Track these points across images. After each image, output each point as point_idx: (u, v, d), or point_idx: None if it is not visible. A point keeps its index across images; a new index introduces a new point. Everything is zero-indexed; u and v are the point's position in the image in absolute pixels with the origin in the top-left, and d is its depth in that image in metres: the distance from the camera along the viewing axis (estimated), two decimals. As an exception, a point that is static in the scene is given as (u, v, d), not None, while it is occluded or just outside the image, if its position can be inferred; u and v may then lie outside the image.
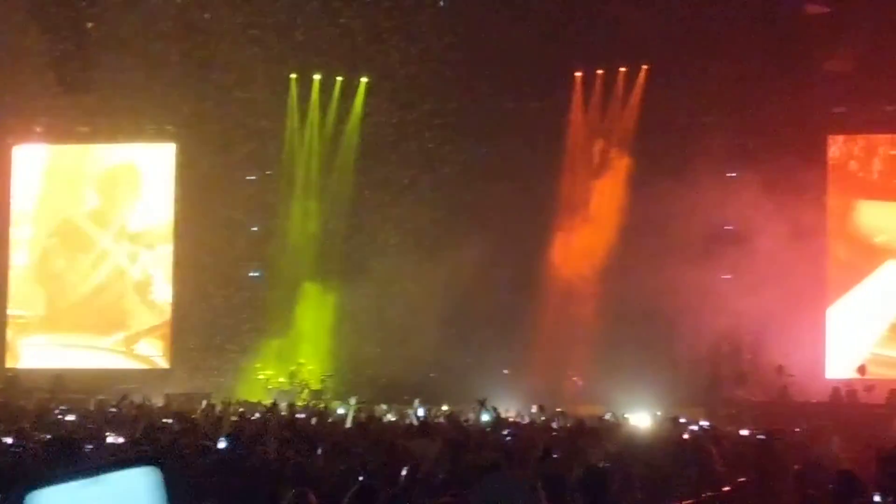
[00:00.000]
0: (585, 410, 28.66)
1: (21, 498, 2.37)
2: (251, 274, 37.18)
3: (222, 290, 35.96)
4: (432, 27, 33.65)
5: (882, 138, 34.56)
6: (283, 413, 25.06)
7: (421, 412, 25.83)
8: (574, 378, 33.75)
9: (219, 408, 26.47)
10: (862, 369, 30.51)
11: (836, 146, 34.74)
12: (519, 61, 33.82)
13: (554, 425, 23.38)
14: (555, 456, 14.21)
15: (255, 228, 37.12)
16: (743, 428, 24.01)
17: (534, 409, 28.10)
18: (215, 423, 21.25)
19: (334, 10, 33.48)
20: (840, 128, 34.55)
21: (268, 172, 36.79)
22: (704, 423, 24.37)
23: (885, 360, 32.42)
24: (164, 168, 37.50)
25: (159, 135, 37.19)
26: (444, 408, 28.47)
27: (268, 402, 29.08)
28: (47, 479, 2.41)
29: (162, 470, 2.50)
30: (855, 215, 34.52)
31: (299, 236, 36.43)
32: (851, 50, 32.77)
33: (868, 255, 34.27)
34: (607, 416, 25.65)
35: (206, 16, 34.01)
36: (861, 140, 34.77)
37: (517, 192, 34.13)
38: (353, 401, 28.00)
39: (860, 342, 33.31)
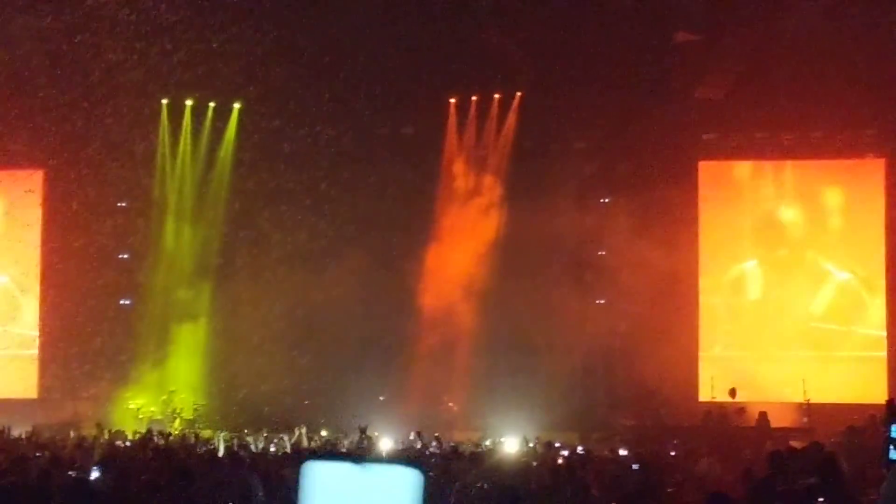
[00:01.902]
0: (462, 436, 28.67)
1: (303, 466, 2.76)
2: (122, 302, 36.56)
3: (92, 318, 35.29)
4: (307, 52, 33.46)
5: (751, 164, 35.10)
6: (156, 441, 24.64)
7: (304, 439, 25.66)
8: (450, 404, 33.75)
9: (90, 437, 25.96)
10: (733, 392, 30.89)
11: (707, 171, 35.22)
12: (394, 86, 33.82)
13: (430, 450, 23.30)
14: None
15: (126, 256, 36.52)
16: (618, 451, 24.16)
17: (412, 435, 28.00)
18: (86, 453, 20.82)
19: (208, 36, 33.11)
20: (711, 154, 35.04)
21: (139, 199, 36.18)
22: (579, 448, 24.50)
23: (757, 381, 32.87)
24: (32, 195, 36.68)
25: (27, 160, 36.41)
26: (323, 434, 28.32)
27: (140, 430, 28.59)
28: (327, 455, 2.76)
29: (423, 475, 2.70)
30: (726, 238, 35.03)
31: (171, 263, 35.93)
32: (721, 78, 33.31)
33: (739, 280, 34.77)
34: (487, 442, 25.67)
35: (77, 39, 33.43)
36: (730, 165, 35.29)
37: (392, 218, 34.12)
38: (222, 434, 27.75)
39: (732, 365, 33.73)
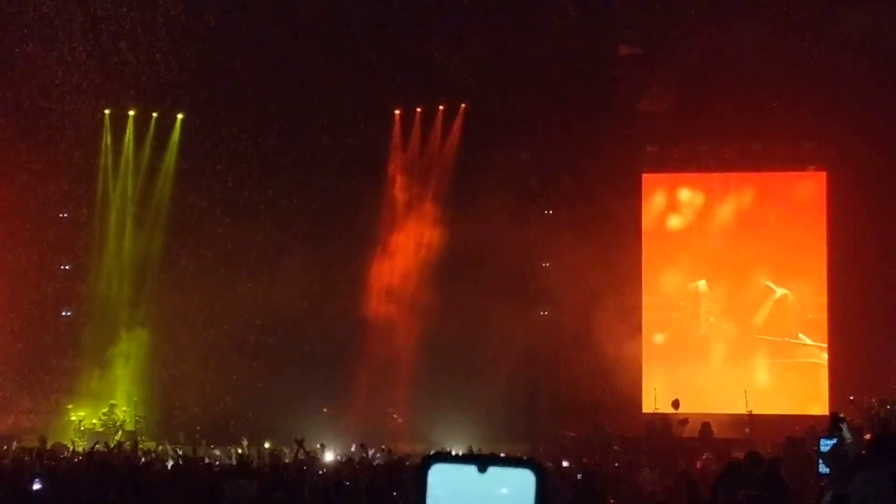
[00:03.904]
0: (407, 447, 28.62)
1: (427, 466, 2.69)
2: (64, 313, 36.25)
3: (33, 330, 34.97)
4: (251, 62, 33.38)
5: (693, 176, 35.30)
6: (99, 451, 24.44)
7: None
8: (394, 415, 33.72)
9: (30, 449, 25.68)
10: (676, 403, 31.03)
11: (651, 184, 35.39)
12: (338, 97, 33.74)
13: (376, 463, 23.28)
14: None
15: (67, 267, 36.22)
16: (561, 462, 24.25)
17: (353, 447, 27.91)
18: (27, 466, 20.63)
19: (151, 45, 32.94)
20: (654, 166, 35.21)
21: (80, 209, 35.88)
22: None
23: (700, 393, 33.05)
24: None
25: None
26: (267, 445, 28.19)
27: (81, 443, 28.34)
28: (449, 457, 2.70)
29: (540, 475, 2.66)
30: (669, 251, 35.22)
31: (113, 274, 35.66)
32: (664, 90, 33.52)
33: (683, 290, 34.95)
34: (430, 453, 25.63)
35: (17, 49, 33.16)
36: (673, 178, 35.48)
37: (336, 229, 34.07)
38: (167, 447, 27.60)
39: (675, 376, 33.90)
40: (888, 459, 9.17)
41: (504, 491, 2.64)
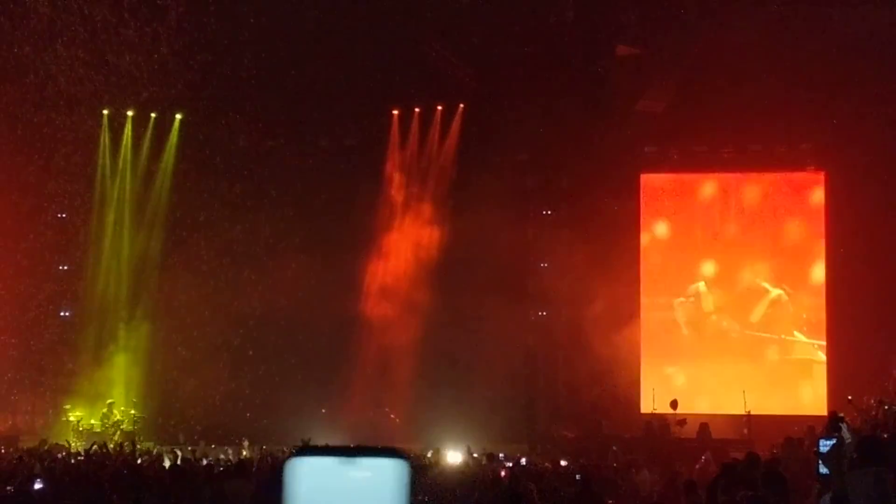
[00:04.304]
0: (404, 447, 28.58)
1: (287, 462, 2.65)
2: (62, 313, 36.24)
3: (32, 330, 34.95)
4: (248, 63, 33.35)
5: (692, 176, 35.30)
6: (97, 452, 24.42)
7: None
8: (391, 415, 33.70)
9: (30, 450, 25.67)
10: (674, 404, 31.02)
11: (649, 184, 35.37)
12: (337, 97, 33.71)
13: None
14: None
15: (66, 267, 36.21)
16: (560, 462, 24.25)
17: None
18: (27, 467, 20.62)
19: (150, 46, 32.92)
20: (652, 166, 35.19)
21: (79, 210, 35.85)
22: (522, 460, 24.54)
23: (698, 393, 33.07)
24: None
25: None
26: (265, 447, 28.21)
27: (79, 443, 28.32)
28: (310, 451, 2.67)
29: (409, 465, 2.67)
30: (667, 251, 35.21)
31: (111, 274, 35.65)
32: (662, 91, 33.51)
33: (681, 291, 34.94)
34: (429, 454, 25.64)
35: (15, 50, 33.13)
36: (672, 178, 35.46)
37: (334, 229, 34.03)
38: (166, 447, 27.62)
39: (674, 377, 33.92)
40: (872, 460, 9.45)
41: (372, 481, 2.64)
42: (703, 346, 34.62)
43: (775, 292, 34.27)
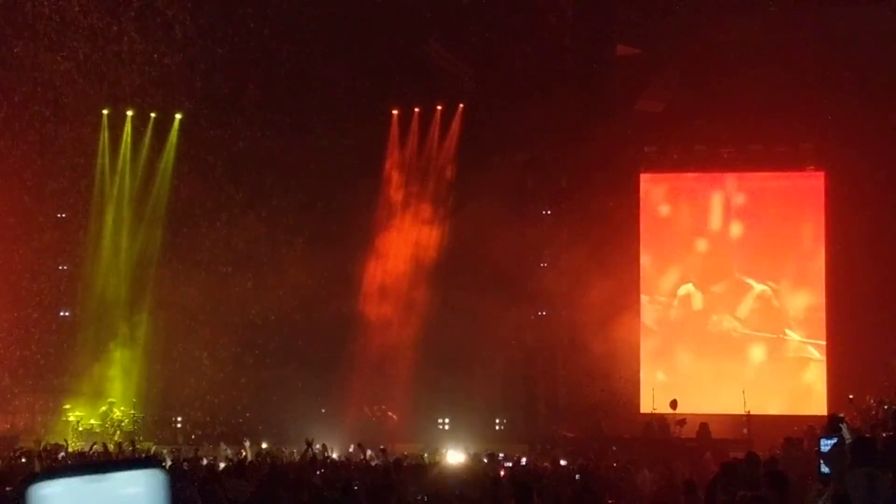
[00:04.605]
0: (404, 447, 28.60)
1: (26, 488, 2.40)
2: (62, 313, 36.22)
3: (32, 330, 34.92)
4: (248, 63, 33.35)
5: (692, 176, 35.28)
6: (96, 452, 24.45)
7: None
8: (390, 413, 33.69)
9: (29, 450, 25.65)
10: (674, 403, 30.99)
11: (649, 184, 35.37)
12: (336, 97, 33.71)
13: (374, 463, 23.26)
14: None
15: (65, 267, 36.18)
16: (560, 462, 24.25)
17: (352, 448, 27.90)
18: (25, 467, 20.63)
19: (150, 46, 32.91)
20: (652, 166, 35.18)
21: (78, 210, 35.82)
22: (522, 460, 24.54)
23: (698, 393, 33.06)
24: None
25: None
26: (264, 446, 28.20)
27: (78, 443, 28.30)
28: (52, 473, 2.44)
29: (165, 473, 2.52)
30: (667, 251, 35.20)
31: (110, 274, 35.63)
32: (662, 91, 33.51)
33: (680, 291, 34.93)
34: (426, 455, 25.65)
35: (16, 49, 33.12)
36: (671, 178, 35.45)
37: (334, 229, 34.02)
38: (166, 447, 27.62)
39: (674, 377, 33.91)
40: (865, 461, 9.61)
41: (125, 495, 2.46)
42: (704, 345, 34.55)
43: (778, 289, 34.25)
